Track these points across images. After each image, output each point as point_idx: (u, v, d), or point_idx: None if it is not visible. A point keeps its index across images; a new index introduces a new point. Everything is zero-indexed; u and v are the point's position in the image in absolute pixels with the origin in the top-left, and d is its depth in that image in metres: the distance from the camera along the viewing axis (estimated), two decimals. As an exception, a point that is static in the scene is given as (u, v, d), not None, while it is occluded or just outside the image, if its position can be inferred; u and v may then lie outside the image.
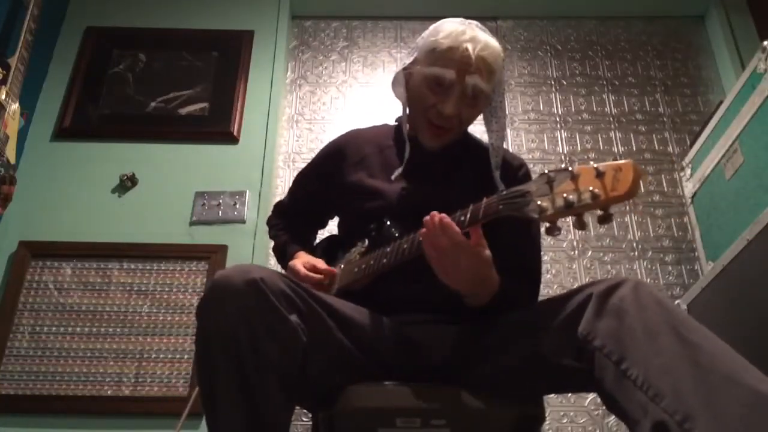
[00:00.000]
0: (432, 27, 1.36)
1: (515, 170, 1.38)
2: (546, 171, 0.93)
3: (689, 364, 0.87)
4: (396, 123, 1.49)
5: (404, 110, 1.41)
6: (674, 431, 0.83)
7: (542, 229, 0.98)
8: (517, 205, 0.96)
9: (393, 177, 1.34)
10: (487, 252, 1.09)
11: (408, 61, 1.39)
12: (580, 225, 0.89)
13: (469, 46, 1.29)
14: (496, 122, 1.37)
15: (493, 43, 1.33)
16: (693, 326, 0.92)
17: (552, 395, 2.10)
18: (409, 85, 1.38)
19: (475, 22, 1.36)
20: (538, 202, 0.92)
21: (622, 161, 0.84)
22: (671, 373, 0.87)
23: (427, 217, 1.06)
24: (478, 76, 1.29)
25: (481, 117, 1.41)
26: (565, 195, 0.88)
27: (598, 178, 0.85)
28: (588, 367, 0.98)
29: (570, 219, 0.91)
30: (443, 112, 1.30)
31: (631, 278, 1.00)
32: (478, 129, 1.45)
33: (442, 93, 1.31)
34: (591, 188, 0.85)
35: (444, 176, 1.36)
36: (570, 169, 0.89)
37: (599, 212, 0.87)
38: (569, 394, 2.11)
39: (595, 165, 0.86)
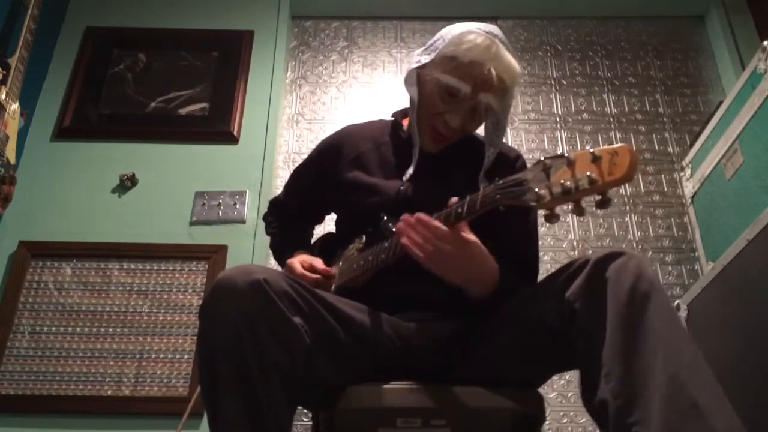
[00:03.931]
0: (456, 32, 1.29)
1: (512, 162, 1.37)
2: (542, 158, 0.92)
3: (646, 355, 0.90)
4: (392, 119, 1.48)
5: (412, 108, 1.37)
6: (613, 413, 0.89)
7: (541, 217, 0.97)
8: (514, 193, 0.96)
9: (405, 178, 1.32)
10: (473, 237, 1.09)
11: (423, 59, 1.33)
12: (578, 211, 0.89)
13: (492, 66, 1.25)
14: (497, 136, 1.36)
15: (515, 63, 1.30)
16: (667, 317, 0.93)
17: (552, 395, 2.10)
18: (420, 86, 1.34)
19: (500, 35, 1.30)
20: (536, 190, 0.91)
21: (617, 145, 0.84)
22: (627, 358, 0.91)
23: (400, 223, 1.08)
24: (492, 95, 1.27)
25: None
26: (562, 181, 0.88)
27: (594, 162, 0.85)
28: (569, 330, 1.00)
29: (568, 208, 0.91)
30: (450, 124, 1.29)
31: (631, 252, 1.00)
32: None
33: (452, 104, 1.28)
34: (588, 173, 0.85)
35: (442, 171, 1.35)
36: (566, 155, 0.89)
37: (597, 197, 0.87)
38: (569, 394, 2.11)
39: (591, 150, 0.86)
